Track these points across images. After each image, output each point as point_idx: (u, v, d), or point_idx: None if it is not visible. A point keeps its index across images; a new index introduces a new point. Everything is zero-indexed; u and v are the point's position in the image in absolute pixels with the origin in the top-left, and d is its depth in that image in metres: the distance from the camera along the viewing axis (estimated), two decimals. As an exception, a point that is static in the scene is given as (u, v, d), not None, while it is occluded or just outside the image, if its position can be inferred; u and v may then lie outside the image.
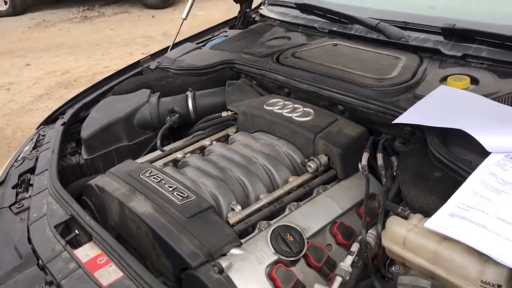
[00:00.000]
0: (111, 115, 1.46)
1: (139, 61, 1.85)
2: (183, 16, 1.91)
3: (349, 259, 0.92)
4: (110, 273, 0.92)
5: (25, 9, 7.37)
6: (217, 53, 1.68)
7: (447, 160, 0.97)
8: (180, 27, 1.90)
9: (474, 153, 0.97)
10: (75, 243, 1.04)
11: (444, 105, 1.11)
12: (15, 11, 7.25)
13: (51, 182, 1.20)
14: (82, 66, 4.94)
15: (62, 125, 1.49)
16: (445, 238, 0.84)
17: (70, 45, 5.68)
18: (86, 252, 0.98)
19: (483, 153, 0.95)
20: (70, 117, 1.54)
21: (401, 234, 0.89)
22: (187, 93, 1.49)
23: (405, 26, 1.48)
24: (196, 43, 1.88)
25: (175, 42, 1.89)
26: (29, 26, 6.72)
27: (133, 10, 7.02)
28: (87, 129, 1.44)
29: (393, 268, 0.91)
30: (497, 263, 0.77)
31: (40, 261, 0.99)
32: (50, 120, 1.60)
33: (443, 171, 0.98)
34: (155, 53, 1.89)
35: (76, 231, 1.06)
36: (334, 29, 1.63)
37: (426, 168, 1.01)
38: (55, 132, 1.48)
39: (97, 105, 1.57)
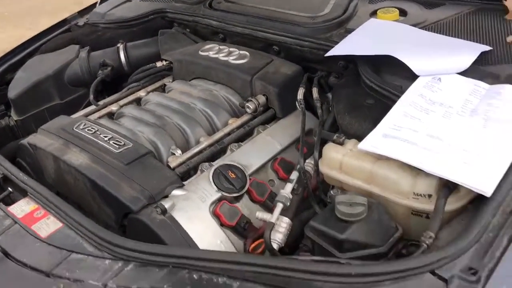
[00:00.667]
0: (39, 74, 1.39)
1: (66, 18, 1.75)
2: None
3: (289, 186, 0.94)
4: (48, 225, 0.89)
5: None
6: (147, 4, 1.62)
7: (379, 87, 1.00)
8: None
9: (404, 78, 1.00)
10: (9, 201, 1.00)
11: (374, 36, 1.13)
12: None
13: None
14: (10, 36, 4.65)
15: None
16: (379, 158, 0.87)
17: (-6, 16, 5.31)
18: (22, 208, 0.94)
19: (413, 77, 0.98)
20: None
21: (337, 159, 0.91)
22: (118, 45, 1.44)
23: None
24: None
25: (102, -2, 1.80)
26: None
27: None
28: (14, 89, 1.37)
29: (331, 191, 0.94)
30: (427, 175, 0.81)
31: (-28, 222, 0.94)
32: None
33: (376, 98, 1.00)
34: (83, 10, 1.79)
35: (10, 189, 1.01)
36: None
37: (359, 97, 1.03)
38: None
39: (24, 65, 1.49)
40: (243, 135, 1.12)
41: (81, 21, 1.70)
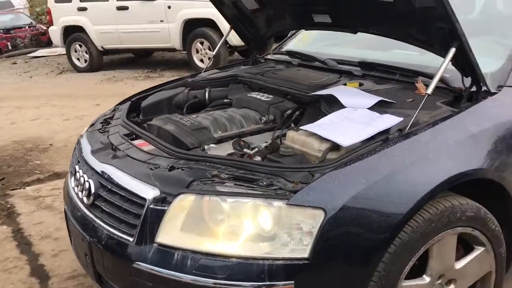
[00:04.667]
0: (160, 97, 2.48)
1: (182, 77, 2.90)
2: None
3: (264, 144, 1.84)
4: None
5: (100, 67, 8.96)
6: (228, 72, 2.71)
7: (325, 110, 1.89)
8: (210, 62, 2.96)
9: (339, 106, 1.89)
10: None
11: (338, 90, 2.05)
12: (92, 68, 8.85)
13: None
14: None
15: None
16: (311, 134, 1.75)
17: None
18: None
19: (343, 106, 1.87)
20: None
21: (290, 135, 1.80)
22: (206, 89, 2.50)
23: (340, 62, 2.44)
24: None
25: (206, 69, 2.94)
26: (101, 79, 8.18)
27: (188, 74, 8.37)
28: (144, 103, 2.45)
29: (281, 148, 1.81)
30: (326, 141, 1.67)
31: None
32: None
33: (324, 114, 1.89)
34: (193, 74, 2.94)
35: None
36: (302, 62, 2.62)
37: (317, 116, 1.92)
38: (123, 107, 2.50)
39: (155, 94, 2.59)
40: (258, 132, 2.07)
41: (190, 79, 2.83)
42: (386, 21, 2.04)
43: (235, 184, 1.53)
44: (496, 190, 1.76)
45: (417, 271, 1.62)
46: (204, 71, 2.90)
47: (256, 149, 1.83)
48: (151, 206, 1.57)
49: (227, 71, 2.85)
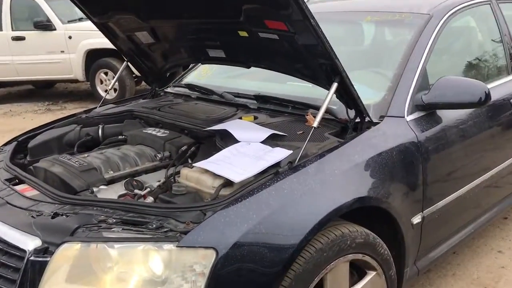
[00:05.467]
0: (49, 137, 2.34)
1: (75, 114, 2.77)
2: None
3: (157, 183, 1.80)
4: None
5: (-5, 101, 8.33)
6: (125, 107, 2.63)
7: (220, 145, 1.90)
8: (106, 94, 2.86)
9: (233, 141, 1.90)
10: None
11: (232, 125, 2.06)
12: (-15, 102, 8.20)
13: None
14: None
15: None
16: (204, 171, 1.73)
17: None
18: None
19: (237, 141, 1.89)
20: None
21: (184, 173, 1.78)
22: (99, 125, 2.41)
23: (237, 95, 2.47)
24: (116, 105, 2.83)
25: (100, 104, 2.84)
26: (-4, 114, 7.62)
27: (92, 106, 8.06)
28: (32, 143, 2.30)
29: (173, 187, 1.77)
30: (219, 177, 1.67)
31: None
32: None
33: (219, 149, 1.89)
34: (87, 110, 2.82)
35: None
36: (200, 96, 2.62)
37: (212, 152, 1.91)
38: (8, 148, 2.33)
39: (43, 133, 2.44)
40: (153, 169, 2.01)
41: (84, 115, 2.71)
42: (274, 57, 2.11)
43: (123, 229, 1.46)
44: (383, 216, 1.86)
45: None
46: (99, 106, 2.80)
47: (148, 189, 1.77)
48: (32, 258, 1.46)
49: (124, 105, 2.77)
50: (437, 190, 2.10)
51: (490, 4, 2.80)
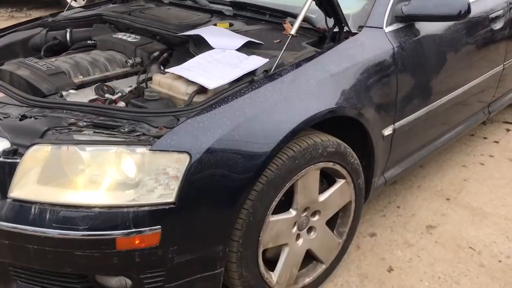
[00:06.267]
0: (13, 39, 2.22)
1: (41, 16, 2.61)
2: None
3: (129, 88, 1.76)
4: (-2, 92, 1.68)
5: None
6: (94, 11, 2.50)
7: (194, 51, 1.84)
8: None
9: (208, 47, 1.84)
10: None
11: (207, 31, 1.99)
12: None
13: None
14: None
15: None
16: (178, 77, 1.69)
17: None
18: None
19: (211, 47, 1.83)
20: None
21: (157, 79, 1.73)
22: (67, 29, 2.29)
23: (212, 1, 2.37)
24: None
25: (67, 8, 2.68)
26: (-45, 19, 7.16)
27: (59, 14, 7.65)
28: None
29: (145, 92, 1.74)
30: (193, 84, 1.63)
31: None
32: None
33: (193, 55, 1.83)
34: (54, 13, 2.66)
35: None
36: (173, 1, 2.50)
37: (186, 58, 1.86)
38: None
39: (5, 36, 2.31)
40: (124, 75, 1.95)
41: (50, 18, 2.56)
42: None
43: (94, 132, 1.44)
44: (356, 126, 1.88)
45: (284, 206, 1.70)
46: (67, 10, 2.65)
47: (120, 94, 1.73)
48: (1, 159, 1.43)
49: (92, 10, 2.62)
50: (409, 104, 2.12)
51: None
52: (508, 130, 3.34)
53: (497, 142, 3.17)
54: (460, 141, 3.09)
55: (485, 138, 3.22)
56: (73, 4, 6.91)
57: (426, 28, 2.14)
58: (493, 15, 2.54)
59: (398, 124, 2.07)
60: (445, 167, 2.86)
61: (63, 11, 2.63)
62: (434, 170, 2.83)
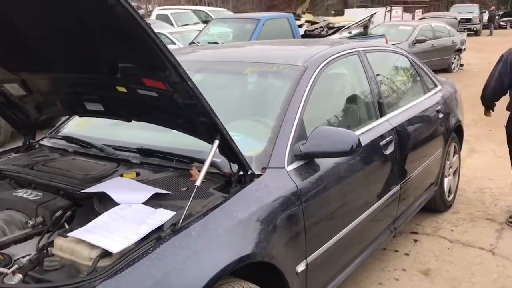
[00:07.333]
0: None
1: None
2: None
3: (28, 257, 1.64)
4: None
5: None
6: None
7: (98, 209, 1.80)
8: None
9: (113, 203, 1.81)
10: None
11: (111, 185, 1.97)
12: None
13: None
14: None
15: None
16: (81, 241, 1.63)
17: None
18: None
19: (115, 204, 1.81)
20: None
21: (58, 243, 1.65)
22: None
23: (119, 148, 2.39)
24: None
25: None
26: None
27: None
28: None
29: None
30: (97, 248, 1.57)
31: None
32: None
33: (98, 213, 1.79)
34: None
35: None
36: (78, 150, 2.48)
37: (91, 215, 1.81)
38: None
39: None
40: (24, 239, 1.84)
41: None
42: (156, 112, 2.08)
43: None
44: (270, 267, 1.89)
45: None
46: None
47: (17, 265, 1.61)
48: None
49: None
50: (319, 236, 2.19)
51: (358, 54, 3.06)
52: (415, 240, 3.52)
53: (407, 254, 3.31)
54: (374, 257, 3.19)
55: (396, 251, 3.36)
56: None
57: (325, 161, 2.30)
58: (383, 142, 2.80)
59: (310, 258, 2.11)
60: (362, 287, 2.91)
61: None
62: (353, 291, 2.86)
